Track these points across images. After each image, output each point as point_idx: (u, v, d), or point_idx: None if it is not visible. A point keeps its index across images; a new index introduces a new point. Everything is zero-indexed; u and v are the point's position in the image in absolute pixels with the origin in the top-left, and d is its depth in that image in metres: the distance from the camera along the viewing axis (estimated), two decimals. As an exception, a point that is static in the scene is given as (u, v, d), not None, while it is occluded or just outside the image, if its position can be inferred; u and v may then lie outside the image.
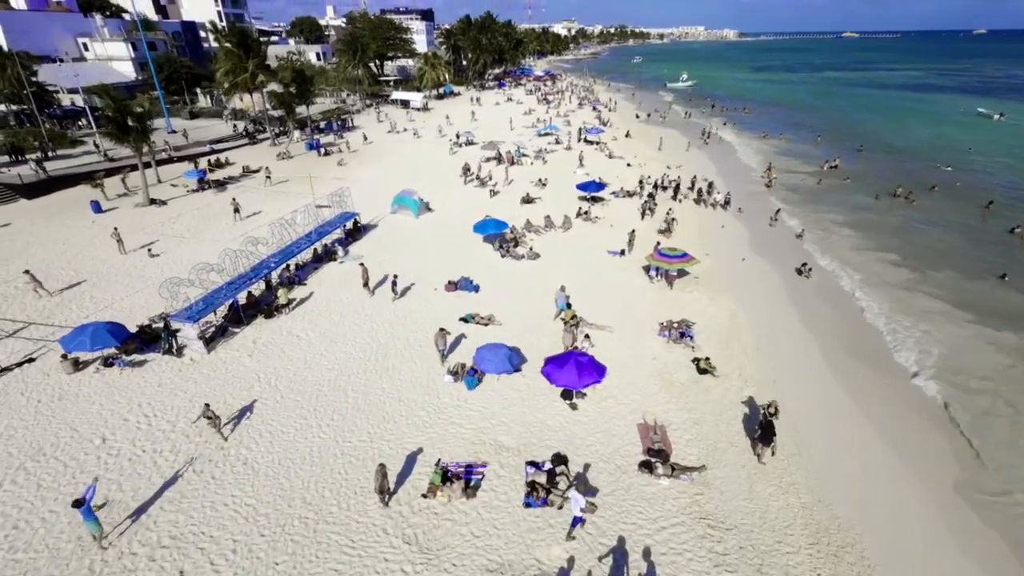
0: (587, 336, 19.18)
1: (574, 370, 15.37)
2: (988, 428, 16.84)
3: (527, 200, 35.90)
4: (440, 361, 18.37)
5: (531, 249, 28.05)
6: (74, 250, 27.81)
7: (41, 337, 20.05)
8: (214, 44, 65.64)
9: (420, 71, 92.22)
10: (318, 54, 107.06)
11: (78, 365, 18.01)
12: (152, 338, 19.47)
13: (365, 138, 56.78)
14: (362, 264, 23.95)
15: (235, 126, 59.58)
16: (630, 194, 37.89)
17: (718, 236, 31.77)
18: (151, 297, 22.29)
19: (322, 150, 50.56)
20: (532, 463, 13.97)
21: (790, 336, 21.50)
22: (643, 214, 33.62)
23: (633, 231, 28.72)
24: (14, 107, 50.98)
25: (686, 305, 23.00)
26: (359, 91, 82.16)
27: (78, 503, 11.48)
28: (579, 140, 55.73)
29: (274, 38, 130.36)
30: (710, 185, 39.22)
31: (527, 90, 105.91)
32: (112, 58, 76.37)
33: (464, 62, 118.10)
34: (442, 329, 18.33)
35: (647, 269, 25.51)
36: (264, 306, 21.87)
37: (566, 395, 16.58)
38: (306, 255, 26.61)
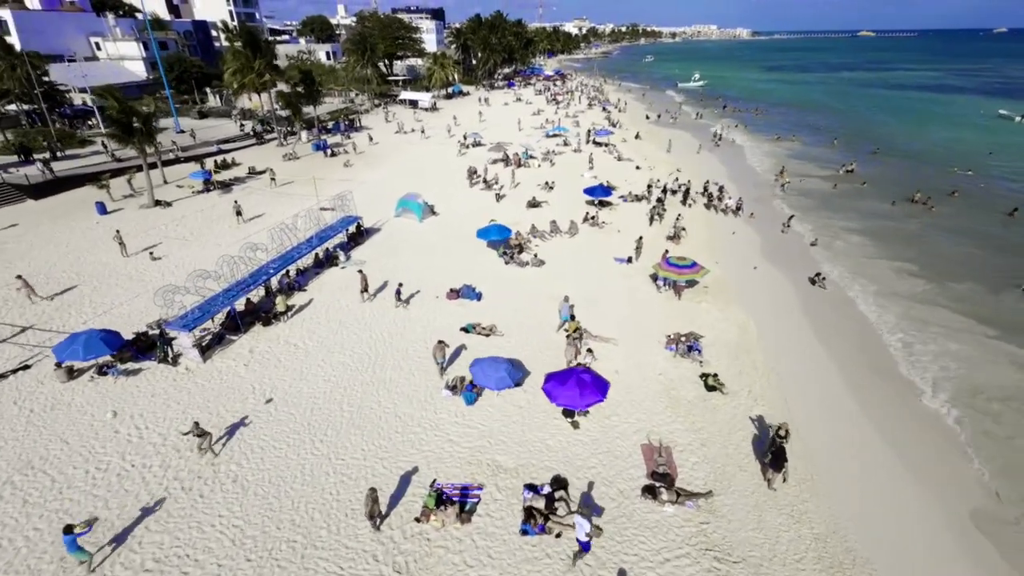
0: (590, 350, 18.55)
1: (576, 388, 14.78)
2: (1010, 454, 15.98)
3: (533, 204, 35.30)
4: (439, 374, 17.86)
5: (536, 256, 27.45)
6: (76, 252, 27.68)
7: (39, 343, 19.84)
8: (225, 43, 65.82)
9: (429, 71, 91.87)
10: (328, 53, 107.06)
11: (72, 373, 17.73)
12: (148, 346, 19.16)
13: (371, 139, 56.47)
14: (360, 271, 23.50)
15: (242, 126, 59.56)
16: (638, 198, 37.15)
17: (729, 243, 30.95)
18: (150, 302, 21.96)
19: (329, 151, 50.31)
20: (530, 486, 13.40)
21: (803, 351, 20.71)
22: (651, 219, 32.88)
23: (641, 238, 28.02)
24: (26, 107, 51.31)
25: (695, 316, 22.28)
26: (368, 91, 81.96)
27: (68, 529, 11.11)
28: (588, 142, 54.98)
29: (285, 37, 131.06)
30: (721, 189, 38.36)
31: (536, 90, 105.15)
32: (124, 57, 76.86)
33: (473, 61, 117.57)
34: (440, 341, 17.81)
35: (654, 278, 24.81)
36: (263, 313, 21.51)
37: (568, 412, 15.99)
38: (307, 260, 26.25)
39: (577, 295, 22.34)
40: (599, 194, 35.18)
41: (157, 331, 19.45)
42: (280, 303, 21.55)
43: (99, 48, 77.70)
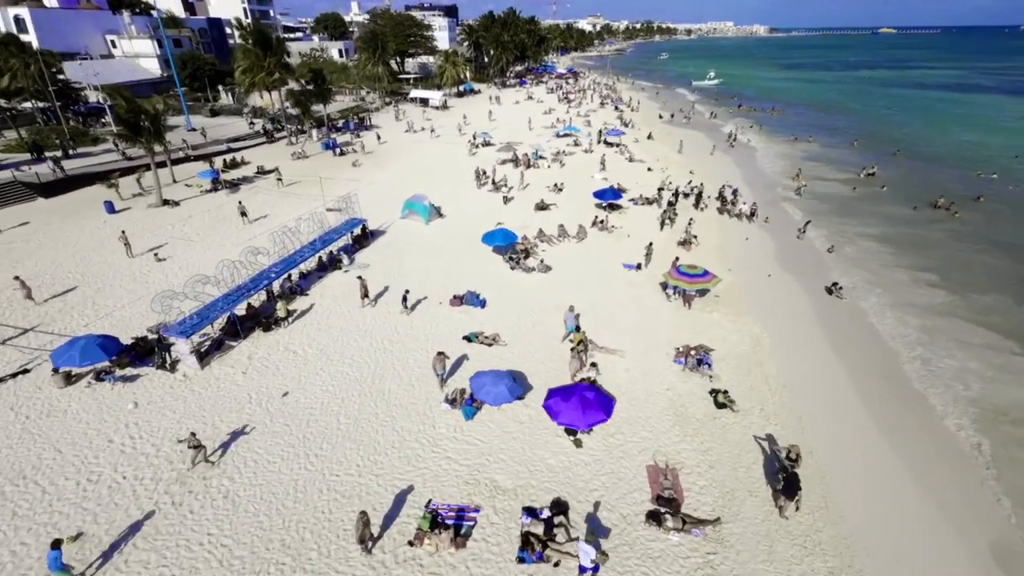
0: (594, 364, 17.91)
1: (579, 407, 14.20)
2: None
3: (541, 207, 34.67)
4: (439, 386, 17.38)
5: (542, 262, 26.84)
6: (83, 252, 27.66)
7: (40, 346, 19.70)
8: (239, 41, 66.02)
9: (440, 68, 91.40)
10: (341, 51, 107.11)
11: (70, 379, 17.56)
12: (146, 351, 18.93)
13: (379, 138, 56.10)
14: (360, 277, 23.09)
15: (253, 124, 59.59)
16: (649, 201, 36.32)
17: (742, 249, 30.05)
18: (151, 306, 21.81)
19: (338, 150, 50.07)
20: (529, 510, 12.86)
21: (819, 366, 19.87)
22: (662, 224, 32.07)
23: (651, 244, 27.27)
24: (40, 104, 51.78)
25: (705, 327, 21.54)
26: (379, 89, 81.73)
27: (56, 544, 10.87)
28: (599, 142, 54.10)
29: (298, 34, 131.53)
30: (735, 193, 37.36)
31: (548, 88, 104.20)
32: (139, 55, 77.51)
33: (485, 59, 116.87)
34: (440, 353, 17.32)
35: (664, 286, 24.08)
36: (264, 318, 21.21)
37: (570, 430, 15.41)
38: (310, 263, 25.92)
39: (584, 303, 21.74)
40: (609, 197, 34.43)
41: (156, 336, 19.21)
42: (281, 309, 21.23)
43: (115, 46, 78.41)
